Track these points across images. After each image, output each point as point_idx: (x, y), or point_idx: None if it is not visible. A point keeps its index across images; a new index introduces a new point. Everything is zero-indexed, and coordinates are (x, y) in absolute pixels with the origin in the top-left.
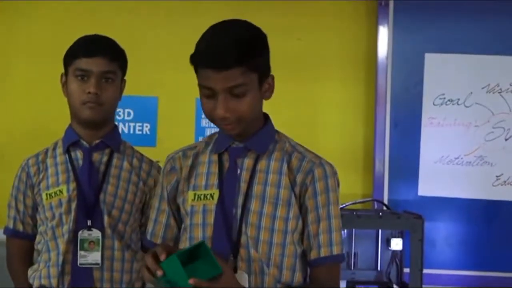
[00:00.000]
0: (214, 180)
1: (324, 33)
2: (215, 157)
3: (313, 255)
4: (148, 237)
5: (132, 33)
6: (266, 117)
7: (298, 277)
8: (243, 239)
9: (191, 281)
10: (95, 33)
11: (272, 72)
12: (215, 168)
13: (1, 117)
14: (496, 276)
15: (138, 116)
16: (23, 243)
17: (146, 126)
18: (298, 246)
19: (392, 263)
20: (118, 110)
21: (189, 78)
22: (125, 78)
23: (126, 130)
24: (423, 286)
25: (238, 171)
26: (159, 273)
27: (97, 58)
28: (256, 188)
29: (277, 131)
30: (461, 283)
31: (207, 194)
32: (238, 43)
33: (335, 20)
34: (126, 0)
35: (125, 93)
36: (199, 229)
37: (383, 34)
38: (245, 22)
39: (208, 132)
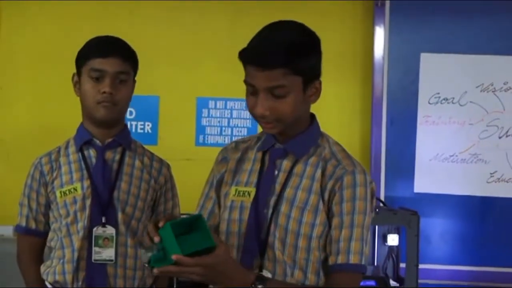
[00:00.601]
0: (254, 178)
1: (322, 33)
2: (259, 155)
3: (331, 260)
4: None
5: (134, 33)
6: (312, 118)
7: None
8: (270, 239)
9: (173, 257)
10: (107, 35)
11: None
12: (257, 166)
13: (6, 117)
14: (490, 271)
15: (140, 115)
16: (35, 241)
17: (148, 125)
18: (322, 252)
19: (389, 258)
20: None
21: (190, 78)
22: (136, 79)
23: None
24: (419, 280)
25: (276, 172)
26: (156, 239)
27: (112, 58)
28: (288, 191)
29: (322, 134)
30: (456, 278)
31: (246, 191)
32: (284, 45)
33: (333, 20)
34: (128, 0)
35: None
36: (236, 224)
37: (380, 34)
38: (300, 25)
39: (208, 131)
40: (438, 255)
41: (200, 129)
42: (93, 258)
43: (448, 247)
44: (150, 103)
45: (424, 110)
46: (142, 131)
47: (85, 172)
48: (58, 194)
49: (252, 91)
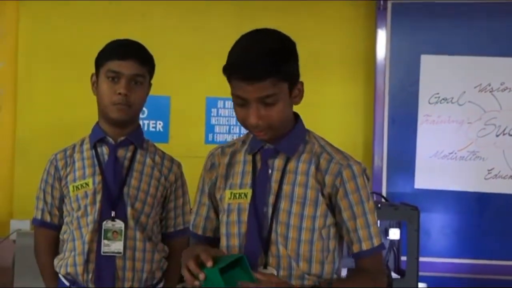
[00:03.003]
0: (248, 179)
1: (326, 36)
2: (249, 157)
3: (355, 248)
4: (191, 228)
5: (146, 34)
6: (296, 117)
7: (327, 270)
8: (273, 236)
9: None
10: (126, 38)
11: None
12: (249, 168)
13: (25, 115)
14: (488, 263)
15: (152, 114)
16: (50, 233)
17: (160, 124)
18: (330, 241)
19: (390, 251)
20: None
21: (199, 79)
22: (151, 81)
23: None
24: (419, 273)
25: (269, 172)
26: (202, 277)
27: (129, 61)
28: (286, 188)
29: (308, 131)
30: (455, 270)
31: (242, 193)
32: (269, 55)
33: (336, 23)
34: (140, 0)
35: None
36: (235, 226)
37: (382, 36)
38: (274, 32)
39: (217, 130)
40: (437, 248)
41: (209, 128)
42: (102, 250)
43: (447, 241)
44: (162, 103)
45: (424, 110)
46: (154, 129)
47: (97, 168)
48: (71, 188)
49: (241, 103)
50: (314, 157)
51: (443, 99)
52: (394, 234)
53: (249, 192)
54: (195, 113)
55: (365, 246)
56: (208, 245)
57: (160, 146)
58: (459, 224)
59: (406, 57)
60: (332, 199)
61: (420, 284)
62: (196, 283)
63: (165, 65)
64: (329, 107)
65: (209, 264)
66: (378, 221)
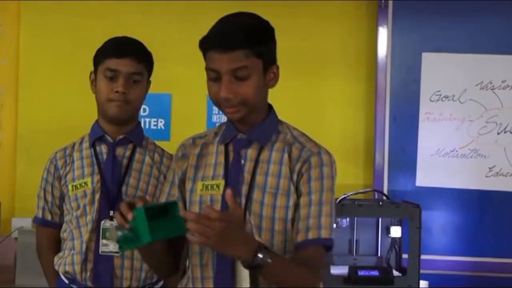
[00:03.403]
0: (221, 170)
1: (327, 33)
2: (221, 148)
3: (300, 237)
4: None
5: (147, 32)
6: (270, 107)
7: None
8: (247, 227)
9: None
10: (125, 35)
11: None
12: (221, 159)
13: (26, 113)
14: (489, 261)
15: (153, 112)
16: (51, 232)
17: (161, 122)
18: None
19: (392, 249)
20: None
21: (201, 76)
22: (150, 79)
23: (142, 126)
24: (421, 271)
25: (242, 162)
26: (130, 216)
27: (126, 59)
28: (259, 178)
29: (280, 121)
30: (456, 268)
31: (214, 185)
32: (245, 28)
33: (338, 21)
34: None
35: None
36: None
37: (383, 34)
38: (253, 14)
39: None
40: (439, 246)
41: (211, 126)
42: (100, 250)
43: (449, 238)
44: (163, 101)
45: (425, 107)
46: (155, 127)
47: (95, 167)
48: (70, 187)
49: (214, 77)
50: (286, 146)
51: (444, 96)
52: (396, 232)
53: (221, 183)
54: (197, 111)
55: (311, 235)
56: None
57: (162, 144)
58: (461, 221)
59: (407, 55)
60: (298, 186)
61: (422, 282)
62: (127, 226)
63: (167, 63)
64: (329, 105)
65: (139, 204)
66: (343, 220)
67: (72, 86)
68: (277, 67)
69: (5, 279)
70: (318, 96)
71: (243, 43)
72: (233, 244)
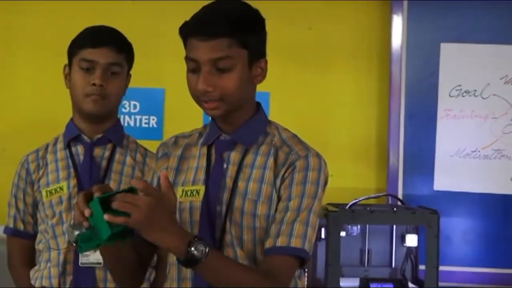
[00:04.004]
0: (201, 175)
1: (336, 22)
2: (204, 150)
3: (269, 243)
4: None
5: (139, 23)
6: (258, 106)
7: None
8: (227, 237)
9: (105, 217)
10: (102, 25)
11: (282, 61)
12: (203, 162)
13: (4, 110)
14: None
15: (144, 109)
16: (24, 242)
17: (153, 119)
18: None
19: (407, 259)
20: (124, 102)
21: None
22: (131, 72)
23: (132, 123)
24: (439, 283)
25: (225, 166)
26: (87, 212)
27: (104, 48)
28: (240, 184)
29: (269, 122)
30: (478, 281)
31: (194, 190)
32: (228, 15)
33: (347, 9)
34: None
35: (131, 84)
36: (187, 227)
37: (397, 23)
38: (243, 2)
39: None
40: (459, 256)
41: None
42: (80, 261)
43: (470, 247)
44: (155, 96)
45: (444, 104)
46: (146, 125)
47: (71, 170)
48: (44, 193)
49: (193, 67)
50: (273, 149)
51: (465, 91)
52: (412, 240)
53: (201, 188)
54: (192, 108)
55: (279, 242)
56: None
57: (154, 143)
58: (483, 229)
59: (424, 45)
60: (279, 191)
61: None
62: (86, 223)
63: (159, 55)
64: (339, 101)
65: (96, 193)
66: (321, 234)
67: (55, 80)
68: (265, 62)
69: None
70: (326, 91)
71: (226, 30)
72: (161, 230)
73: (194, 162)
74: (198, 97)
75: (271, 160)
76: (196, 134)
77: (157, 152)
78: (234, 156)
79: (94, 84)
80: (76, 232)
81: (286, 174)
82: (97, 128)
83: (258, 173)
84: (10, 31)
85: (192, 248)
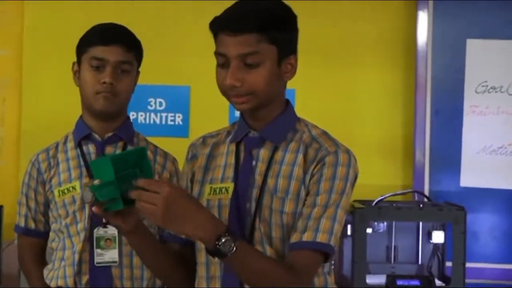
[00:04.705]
0: (230, 172)
1: (362, 18)
2: (232, 147)
3: (294, 238)
4: None
5: (164, 20)
6: (287, 103)
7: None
8: (257, 235)
9: (138, 182)
10: (112, 22)
11: (307, 58)
12: (231, 159)
13: (31, 107)
14: None
15: (170, 106)
16: (36, 241)
17: (179, 117)
18: None
19: (434, 256)
20: (149, 100)
21: None
22: (139, 70)
23: (158, 121)
24: (466, 280)
25: (253, 163)
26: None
27: (114, 46)
28: (270, 181)
29: (299, 119)
30: (506, 277)
31: (222, 188)
32: (259, 11)
33: (372, 6)
34: None
35: (157, 82)
36: None
37: (423, 18)
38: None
39: None
40: (486, 253)
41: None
42: (95, 261)
43: (497, 244)
44: (181, 94)
45: (470, 100)
46: (172, 123)
47: (84, 169)
48: (56, 193)
49: (222, 62)
50: (302, 146)
51: (491, 87)
52: (438, 237)
53: (230, 186)
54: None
55: (305, 237)
56: (186, 247)
57: (180, 141)
58: (510, 225)
59: (450, 41)
60: (308, 187)
61: None
62: (96, 181)
63: (184, 52)
64: (364, 97)
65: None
66: (347, 230)
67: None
68: (295, 59)
69: None
70: (351, 87)
71: (255, 26)
72: (188, 219)
73: (222, 160)
74: (226, 92)
75: (300, 157)
76: (224, 132)
77: (187, 154)
78: (263, 153)
79: (104, 83)
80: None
81: (315, 170)
82: (107, 126)
83: (287, 169)
84: (35, 31)
85: (220, 243)
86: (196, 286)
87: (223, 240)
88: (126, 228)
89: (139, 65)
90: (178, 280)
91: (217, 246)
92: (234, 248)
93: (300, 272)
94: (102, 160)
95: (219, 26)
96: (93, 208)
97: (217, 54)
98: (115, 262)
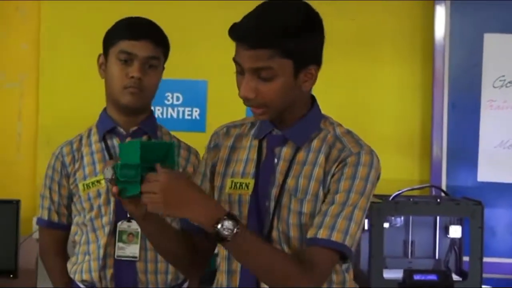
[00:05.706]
0: (252, 168)
1: (379, 13)
2: (255, 142)
3: (310, 233)
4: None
5: (182, 15)
6: (313, 102)
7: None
8: (274, 234)
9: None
10: (139, 16)
11: (325, 52)
12: (253, 155)
13: (48, 102)
14: None
15: (187, 101)
16: (58, 234)
17: (196, 111)
18: None
19: (451, 251)
20: (166, 94)
21: None
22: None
23: (175, 115)
24: (483, 275)
25: (275, 161)
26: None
27: (143, 41)
28: (290, 181)
29: (324, 117)
30: None
31: (243, 183)
32: (272, 24)
33: (390, 0)
34: None
35: (174, 76)
36: None
37: (441, 12)
38: (299, 5)
39: None
40: (503, 247)
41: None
42: (116, 254)
43: None
44: (198, 88)
45: (488, 94)
46: (189, 117)
47: None
48: (81, 187)
49: (240, 70)
50: (325, 146)
51: (509, 82)
52: (455, 231)
53: (251, 182)
54: (235, 100)
55: (321, 234)
56: (200, 235)
57: (197, 135)
58: None
59: (468, 36)
60: (328, 187)
61: (484, 287)
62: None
63: (201, 47)
64: (382, 91)
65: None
66: (365, 225)
67: (97, 74)
68: (316, 68)
69: (27, 285)
70: (368, 82)
71: (267, 41)
72: (187, 203)
73: (244, 154)
74: (244, 101)
75: (321, 157)
76: (248, 124)
77: (209, 143)
78: (285, 152)
79: (132, 77)
80: (110, 171)
81: (337, 169)
82: (132, 120)
83: (308, 169)
84: (52, 26)
85: (219, 226)
86: (216, 279)
87: (223, 224)
88: (138, 213)
89: (165, 60)
90: (195, 268)
91: (217, 229)
92: (235, 231)
93: (310, 267)
94: (132, 143)
95: (233, 36)
96: (111, 187)
97: (235, 61)
98: (135, 257)
